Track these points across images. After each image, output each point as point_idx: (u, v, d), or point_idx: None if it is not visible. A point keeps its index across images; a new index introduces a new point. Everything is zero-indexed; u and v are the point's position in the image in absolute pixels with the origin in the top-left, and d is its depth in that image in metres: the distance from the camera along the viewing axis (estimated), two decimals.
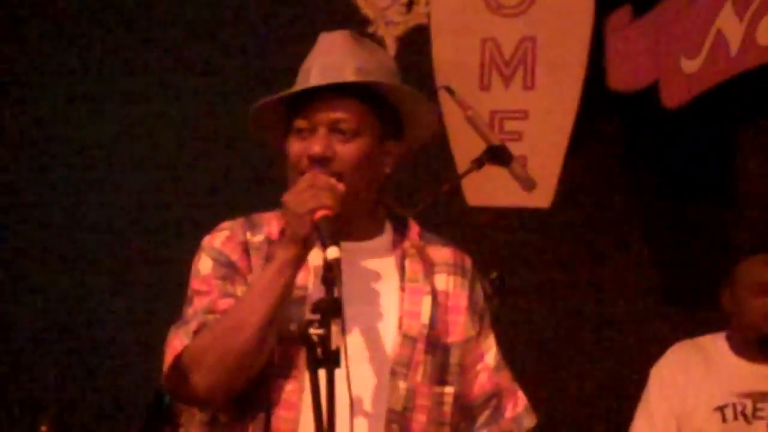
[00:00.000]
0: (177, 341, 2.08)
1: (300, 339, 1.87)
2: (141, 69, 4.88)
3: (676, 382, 3.66)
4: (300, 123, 2.13)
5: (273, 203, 2.17)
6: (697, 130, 4.16)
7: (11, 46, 5.03)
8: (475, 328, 2.27)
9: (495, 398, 2.29)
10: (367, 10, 4.58)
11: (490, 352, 2.30)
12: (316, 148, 2.09)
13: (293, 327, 1.93)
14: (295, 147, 2.13)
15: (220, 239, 2.18)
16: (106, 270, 4.91)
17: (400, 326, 2.13)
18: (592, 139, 4.25)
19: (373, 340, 2.09)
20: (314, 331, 1.83)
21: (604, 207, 4.34)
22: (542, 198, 4.12)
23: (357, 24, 4.52)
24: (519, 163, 3.34)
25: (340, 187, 2.06)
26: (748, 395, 3.59)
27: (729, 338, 3.71)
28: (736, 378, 3.62)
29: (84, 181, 4.95)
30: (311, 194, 2.01)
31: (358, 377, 2.01)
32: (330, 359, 1.85)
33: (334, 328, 1.84)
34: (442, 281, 2.24)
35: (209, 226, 2.25)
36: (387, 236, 2.22)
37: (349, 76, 2.12)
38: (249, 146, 4.51)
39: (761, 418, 3.57)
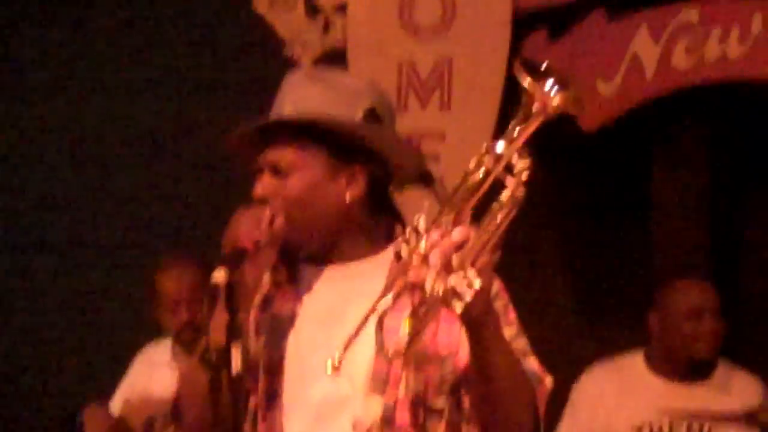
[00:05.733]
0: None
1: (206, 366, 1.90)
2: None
3: (589, 405, 3.67)
4: (254, 166, 2.20)
5: None
6: (615, 152, 4.18)
7: None
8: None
9: None
10: (283, 32, 4.53)
11: None
12: (257, 190, 2.17)
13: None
14: (253, 190, 2.20)
15: None
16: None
17: (376, 344, 2.12)
18: None
19: (351, 361, 2.03)
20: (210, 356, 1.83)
21: (523, 227, 4.33)
22: None
23: (273, 46, 4.50)
24: (441, 185, 3.34)
25: (277, 222, 2.11)
26: (666, 414, 3.61)
27: (647, 357, 3.72)
28: (653, 397, 3.64)
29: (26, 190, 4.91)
30: (233, 227, 2.10)
31: (338, 399, 2.10)
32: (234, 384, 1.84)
33: (234, 353, 1.84)
34: None
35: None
36: (385, 255, 2.21)
37: (273, 115, 2.18)
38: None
39: None
